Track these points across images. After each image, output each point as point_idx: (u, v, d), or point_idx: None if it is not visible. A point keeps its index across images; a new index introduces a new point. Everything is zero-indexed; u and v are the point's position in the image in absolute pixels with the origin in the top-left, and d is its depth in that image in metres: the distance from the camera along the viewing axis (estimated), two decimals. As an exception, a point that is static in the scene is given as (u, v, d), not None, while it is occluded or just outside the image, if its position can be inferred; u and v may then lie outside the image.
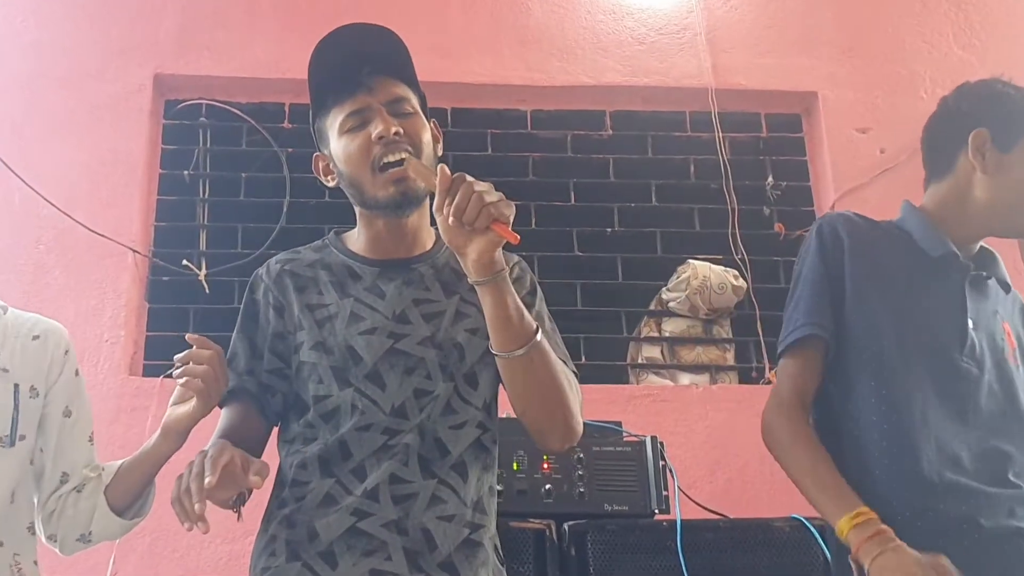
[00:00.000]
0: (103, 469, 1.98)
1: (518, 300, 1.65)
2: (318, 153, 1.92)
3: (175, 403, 1.81)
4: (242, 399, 1.81)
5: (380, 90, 1.79)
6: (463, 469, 1.73)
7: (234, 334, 1.88)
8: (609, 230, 3.98)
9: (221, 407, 1.81)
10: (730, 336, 3.89)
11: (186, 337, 1.77)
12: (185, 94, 3.97)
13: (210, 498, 1.49)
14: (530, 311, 1.74)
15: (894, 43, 4.22)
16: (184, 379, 1.73)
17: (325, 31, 1.83)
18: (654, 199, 4.06)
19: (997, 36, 4.28)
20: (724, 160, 4.02)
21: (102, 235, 3.62)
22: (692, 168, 4.11)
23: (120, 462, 1.96)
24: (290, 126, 3.98)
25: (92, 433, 2.05)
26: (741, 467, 3.42)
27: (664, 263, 3.93)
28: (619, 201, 4.03)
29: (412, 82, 1.86)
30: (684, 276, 3.80)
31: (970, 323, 1.92)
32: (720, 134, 4.04)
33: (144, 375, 3.56)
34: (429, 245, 1.90)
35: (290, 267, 1.87)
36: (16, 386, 1.90)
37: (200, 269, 3.76)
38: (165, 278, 3.75)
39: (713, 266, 3.83)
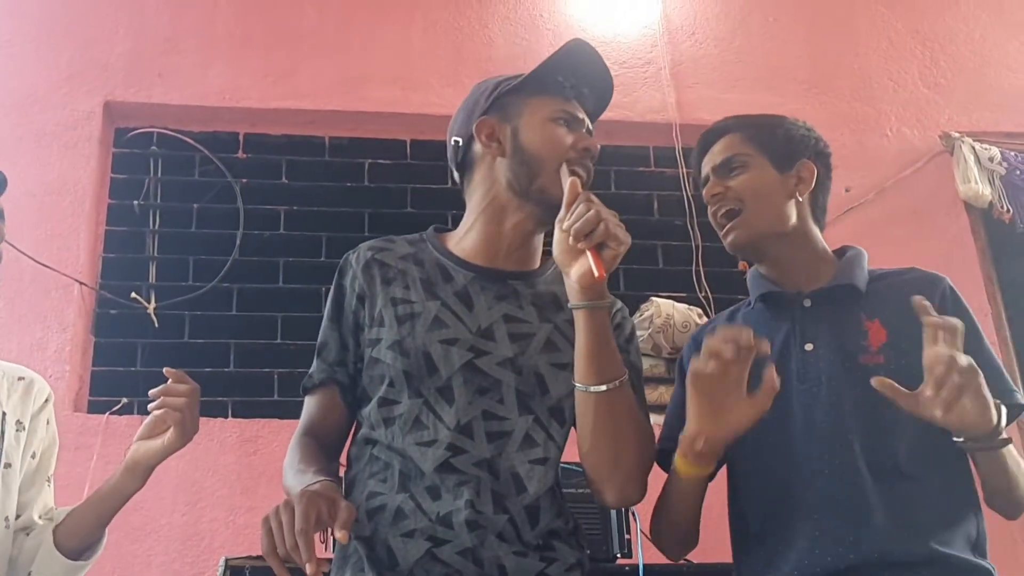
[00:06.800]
0: (56, 513, 1.95)
1: (612, 337, 1.63)
2: (487, 118, 1.88)
3: (142, 438, 1.81)
4: (331, 388, 1.79)
5: (587, 117, 1.89)
6: (535, 511, 1.68)
7: (324, 321, 1.84)
8: (571, 266, 3.90)
9: (306, 395, 1.81)
10: (693, 375, 3.82)
11: (164, 371, 1.80)
12: (136, 122, 3.90)
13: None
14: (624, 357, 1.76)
15: (860, 81, 4.22)
16: (161, 410, 1.76)
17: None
18: (617, 235, 3.99)
19: (963, 76, 4.29)
20: (688, 196, 3.98)
21: (47, 266, 3.52)
22: (656, 204, 4.08)
23: (73, 507, 1.93)
24: (244, 156, 3.90)
25: (52, 475, 2.02)
26: (706, 510, 3.31)
27: (627, 300, 3.77)
28: (582, 236, 3.95)
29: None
30: (647, 314, 3.73)
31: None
32: (684, 170, 4.01)
33: (89, 412, 3.46)
34: (534, 266, 1.87)
35: (380, 256, 1.82)
36: (4, 415, 1.88)
37: (149, 302, 3.66)
38: (112, 311, 3.65)
39: (676, 304, 3.76)
